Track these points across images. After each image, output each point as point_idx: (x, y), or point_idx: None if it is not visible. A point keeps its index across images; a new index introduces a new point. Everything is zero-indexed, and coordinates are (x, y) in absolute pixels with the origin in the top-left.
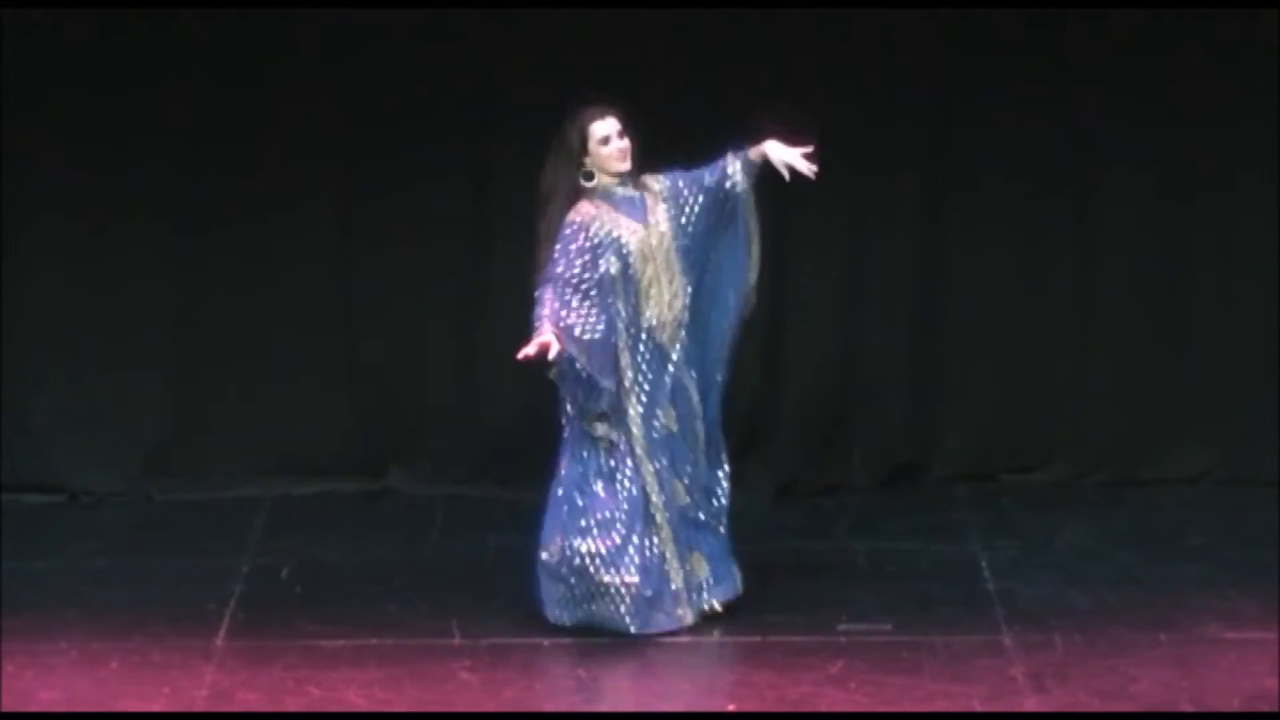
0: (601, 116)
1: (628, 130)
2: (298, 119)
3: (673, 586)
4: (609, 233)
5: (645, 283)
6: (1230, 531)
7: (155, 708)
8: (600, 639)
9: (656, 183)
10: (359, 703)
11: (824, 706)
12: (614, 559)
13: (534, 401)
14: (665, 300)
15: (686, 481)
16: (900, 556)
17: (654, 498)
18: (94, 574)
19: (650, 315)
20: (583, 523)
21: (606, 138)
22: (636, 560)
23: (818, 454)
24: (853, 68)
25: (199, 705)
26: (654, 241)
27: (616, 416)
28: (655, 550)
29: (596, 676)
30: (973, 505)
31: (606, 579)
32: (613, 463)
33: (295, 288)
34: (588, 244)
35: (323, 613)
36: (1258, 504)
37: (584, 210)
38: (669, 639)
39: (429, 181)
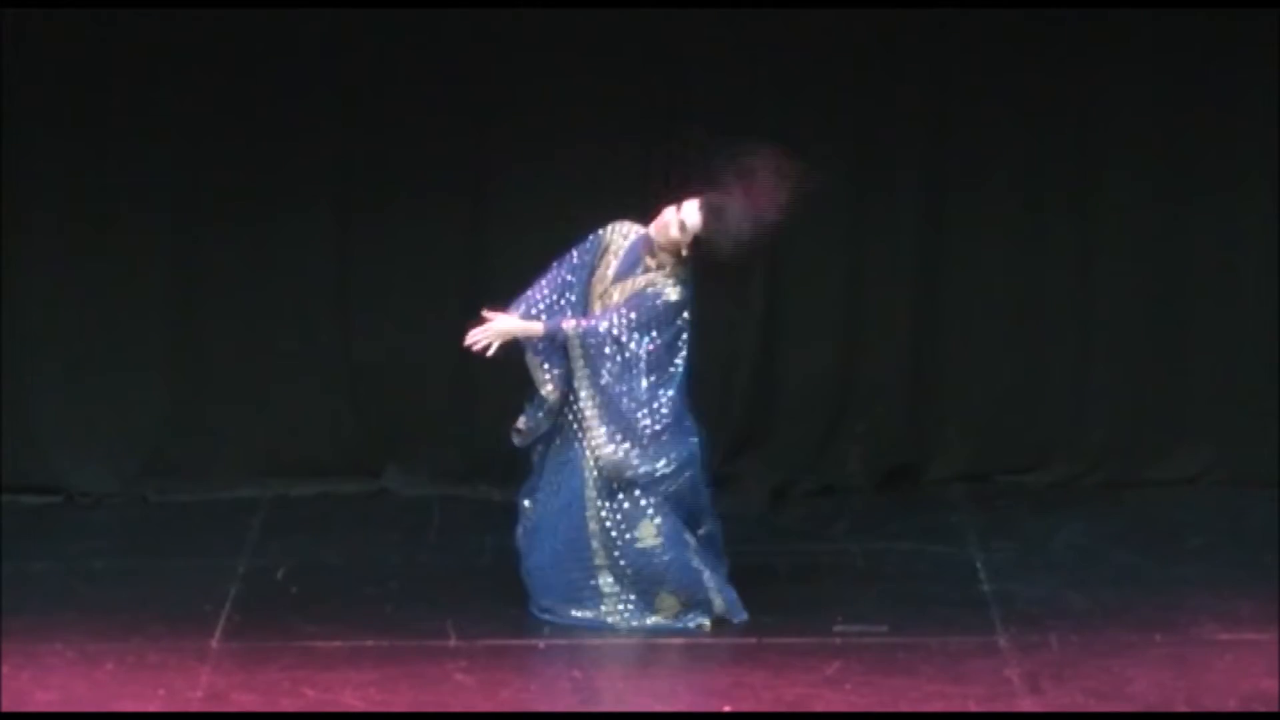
0: (686, 202)
1: (707, 230)
2: (297, 121)
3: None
4: (607, 253)
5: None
6: (1228, 533)
7: (151, 709)
8: (596, 640)
9: (661, 280)
10: (355, 704)
11: (820, 708)
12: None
13: None
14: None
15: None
16: (897, 558)
17: (591, 525)
18: (91, 575)
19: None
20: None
21: (680, 222)
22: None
23: (814, 455)
24: (853, 68)
25: (194, 706)
26: (605, 294)
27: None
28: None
29: (592, 678)
30: (970, 506)
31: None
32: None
33: (293, 289)
34: (584, 259)
35: (319, 614)
36: (1256, 505)
37: (619, 226)
38: (664, 640)
39: (428, 183)
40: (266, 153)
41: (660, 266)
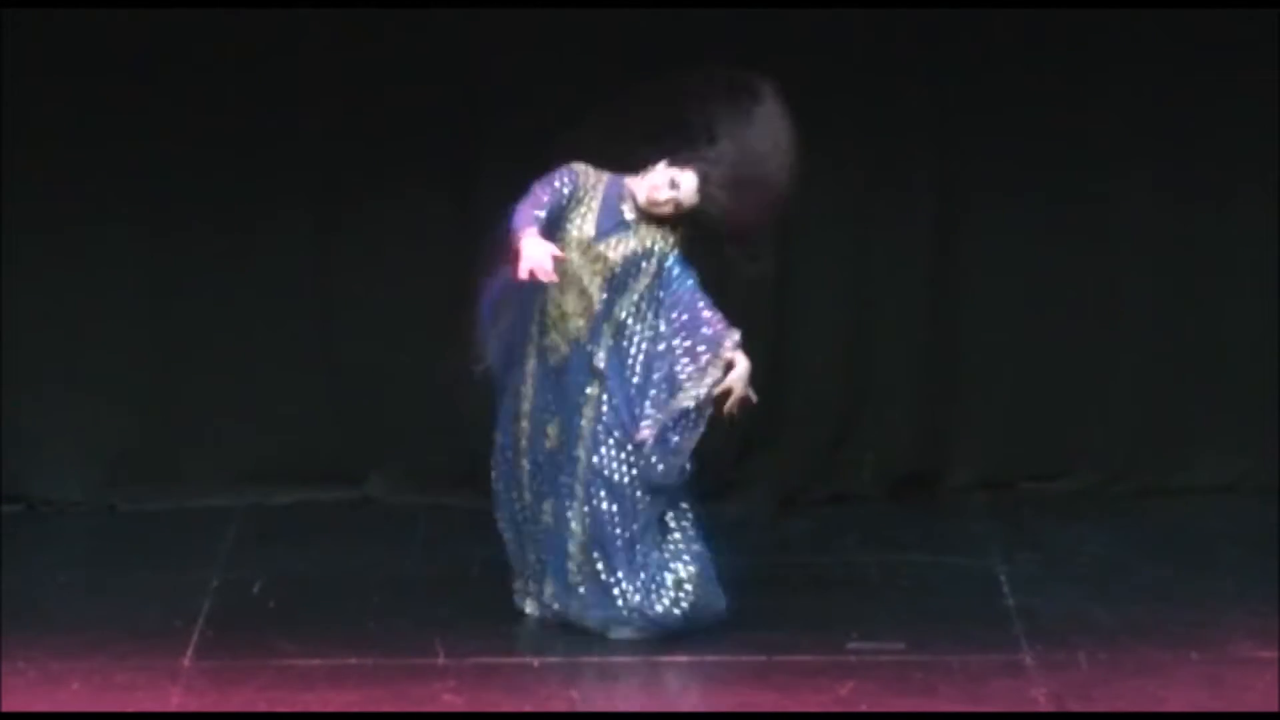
0: (686, 168)
1: (690, 211)
2: (278, 122)
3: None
4: (580, 204)
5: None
6: (1265, 543)
7: None
8: (594, 658)
9: (662, 244)
10: None
11: None
12: None
13: None
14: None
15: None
16: (914, 570)
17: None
18: (54, 589)
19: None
20: None
21: (671, 181)
22: None
23: (825, 461)
24: (864, 69)
25: None
26: (588, 250)
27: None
28: None
29: (590, 698)
30: (991, 515)
31: None
32: None
33: (270, 284)
34: (565, 192)
35: (298, 630)
36: None
37: (588, 171)
38: (667, 658)
39: (411, 186)
40: (244, 156)
41: (649, 223)
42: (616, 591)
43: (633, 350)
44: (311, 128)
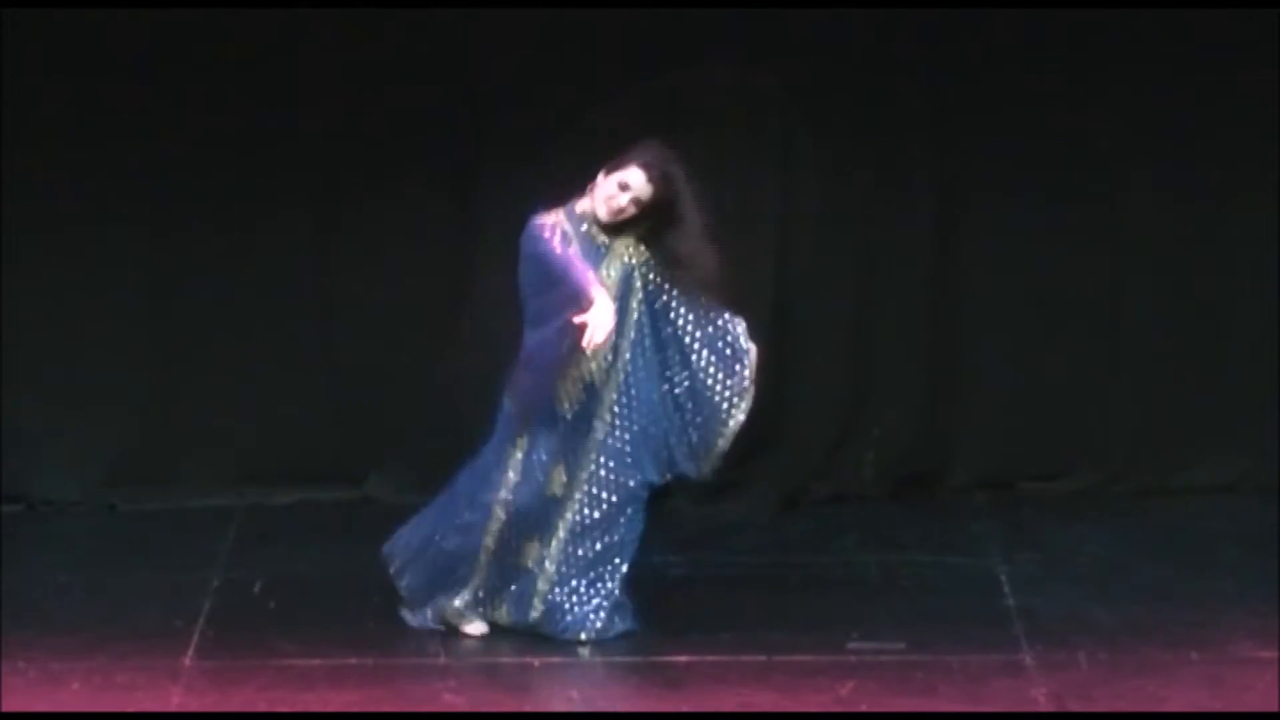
0: (627, 167)
1: (652, 201)
2: (278, 122)
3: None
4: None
5: None
6: (1265, 543)
7: None
8: (596, 658)
9: (636, 256)
10: None
11: None
12: None
13: None
14: None
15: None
16: (914, 570)
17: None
18: (54, 589)
19: None
20: None
21: (620, 184)
22: None
23: (825, 461)
24: (865, 69)
25: None
26: None
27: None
28: None
29: (590, 698)
30: (991, 515)
31: None
32: None
33: (270, 284)
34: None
35: (298, 630)
36: None
37: (553, 218)
38: (667, 659)
39: (411, 186)
40: (244, 155)
41: (615, 237)
42: (571, 617)
43: (642, 365)
44: (311, 128)
